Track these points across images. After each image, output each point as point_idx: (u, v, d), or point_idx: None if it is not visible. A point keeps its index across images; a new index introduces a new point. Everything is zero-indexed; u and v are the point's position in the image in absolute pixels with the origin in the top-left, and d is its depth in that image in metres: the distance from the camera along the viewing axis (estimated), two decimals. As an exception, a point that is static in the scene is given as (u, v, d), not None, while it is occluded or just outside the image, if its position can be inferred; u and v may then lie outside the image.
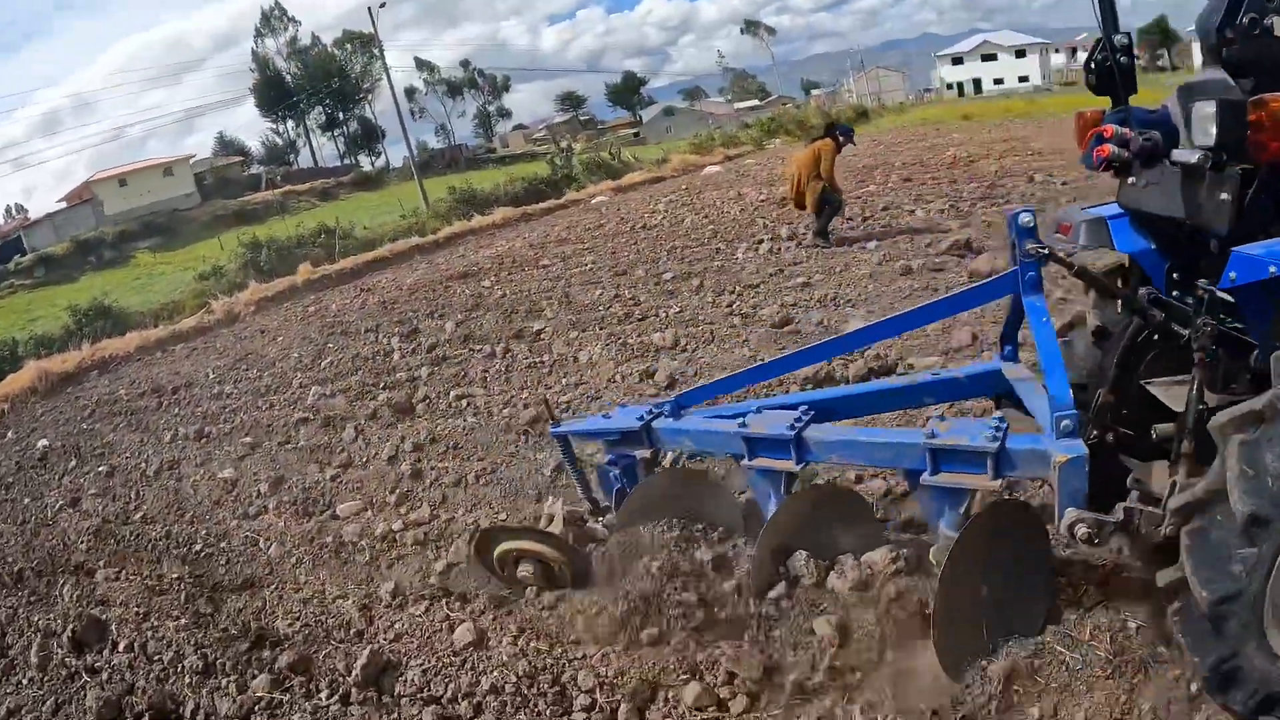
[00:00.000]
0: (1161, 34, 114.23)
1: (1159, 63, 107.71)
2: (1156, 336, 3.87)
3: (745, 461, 4.11)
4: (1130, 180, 3.75)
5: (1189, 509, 2.90)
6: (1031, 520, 3.79)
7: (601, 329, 10.19)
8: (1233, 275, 2.98)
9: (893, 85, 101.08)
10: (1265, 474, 2.66)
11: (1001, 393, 4.29)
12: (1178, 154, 3.38)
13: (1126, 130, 3.55)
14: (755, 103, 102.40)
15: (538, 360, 9.28)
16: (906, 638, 3.63)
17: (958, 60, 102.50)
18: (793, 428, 3.91)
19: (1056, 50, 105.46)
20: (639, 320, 10.32)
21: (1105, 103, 3.81)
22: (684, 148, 44.47)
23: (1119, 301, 3.95)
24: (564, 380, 8.43)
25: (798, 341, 8.51)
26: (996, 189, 16.32)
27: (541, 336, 10.30)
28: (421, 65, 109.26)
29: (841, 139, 13.21)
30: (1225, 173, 3.14)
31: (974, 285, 4.31)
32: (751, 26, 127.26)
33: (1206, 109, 3.11)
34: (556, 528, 4.70)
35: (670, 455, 5.25)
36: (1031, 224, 3.64)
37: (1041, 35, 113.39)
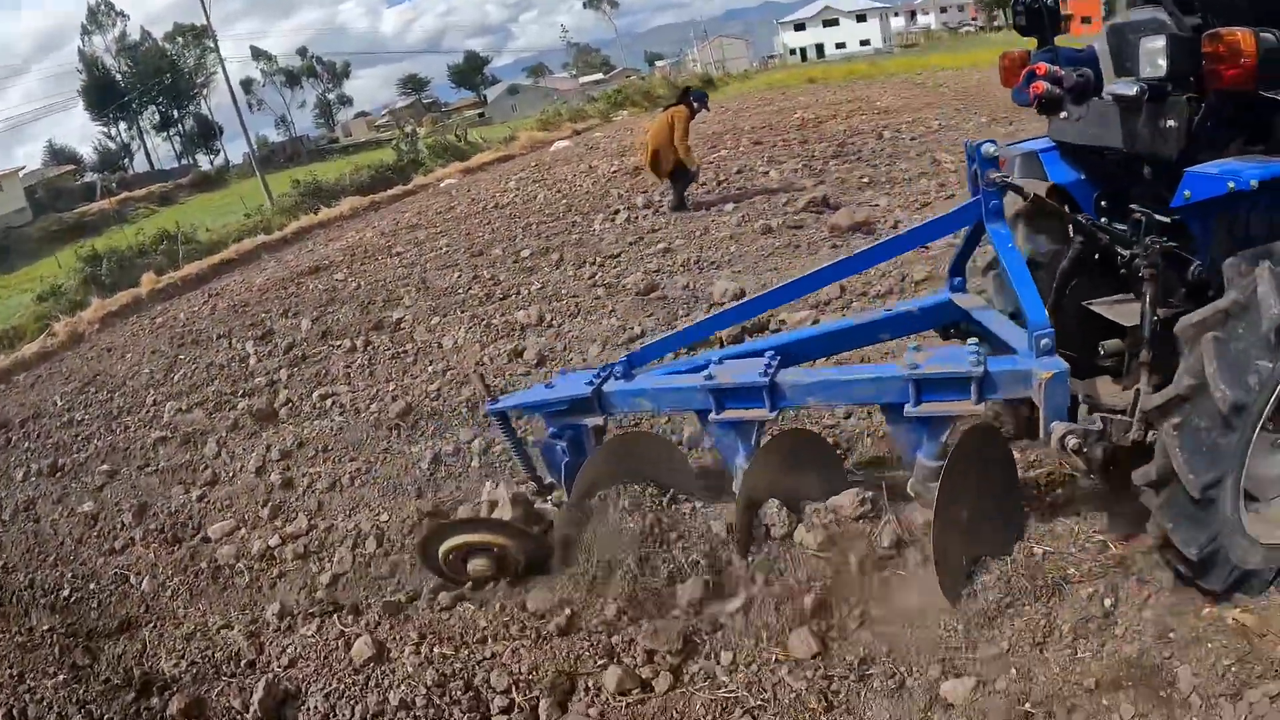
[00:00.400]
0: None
1: (995, 24, 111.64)
2: (1095, 259, 4.17)
3: (713, 415, 3.97)
4: (1062, 115, 4.07)
5: (1167, 408, 3.16)
6: (1002, 443, 4.01)
7: (463, 312, 9.92)
8: (1187, 194, 3.29)
9: (736, 53, 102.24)
10: (1239, 364, 3.02)
11: (951, 322, 4.45)
12: (1114, 87, 3.77)
13: (1057, 68, 3.81)
14: (600, 76, 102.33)
15: (400, 350, 8.98)
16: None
17: (800, 26, 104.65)
18: (765, 374, 3.84)
19: (896, 14, 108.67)
20: (501, 300, 10.09)
21: (1029, 44, 4.11)
22: (531, 125, 43.98)
23: (1045, 234, 4.31)
24: (430, 368, 8.15)
25: (665, 308, 8.48)
26: (846, 147, 16.67)
27: (402, 325, 9.97)
28: (258, 55, 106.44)
29: (695, 104, 13.12)
30: (1169, 102, 3.48)
31: (936, 217, 4.44)
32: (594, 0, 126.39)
33: (1155, 43, 3.42)
34: (504, 513, 4.42)
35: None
36: (994, 154, 3.83)
37: (882, 0, 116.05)
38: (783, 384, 3.85)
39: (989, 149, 3.85)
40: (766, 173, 15.05)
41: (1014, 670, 3.30)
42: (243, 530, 5.88)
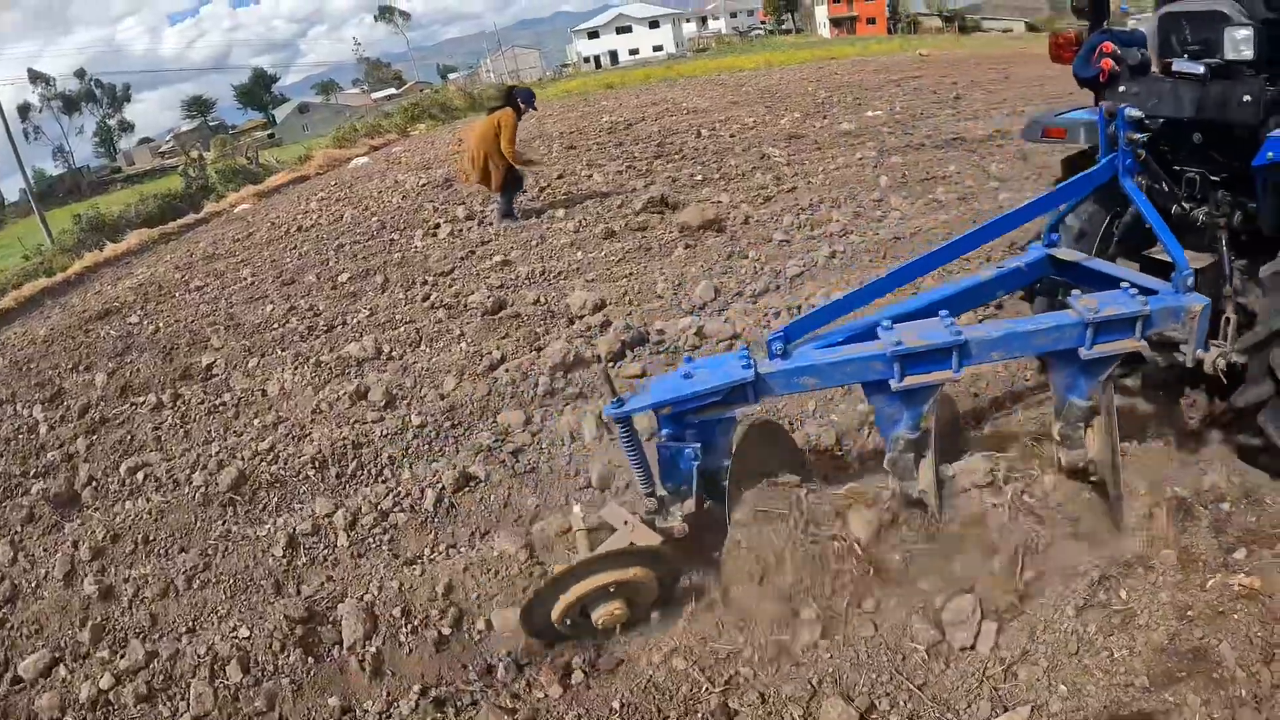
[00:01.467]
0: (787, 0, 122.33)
1: (784, 27, 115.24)
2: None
3: (895, 384, 3.72)
4: (1121, 89, 4.80)
5: (1270, 339, 4.04)
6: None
7: (284, 350, 8.60)
8: (1270, 155, 4.02)
9: (530, 63, 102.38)
10: None
11: (1045, 276, 4.78)
12: (1181, 65, 4.52)
13: (1112, 47, 4.74)
14: (393, 91, 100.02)
15: (217, 402, 7.50)
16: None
17: (593, 34, 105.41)
18: (958, 332, 3.73)
19: (688, 20, 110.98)
20: (326, 332, 8.88)
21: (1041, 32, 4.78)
22: (327, 143, 42.36)
23: (1092, 206, 5.00)
24: (257, 421, 6.83)
25: (522, 327, 7.73)
26: (666, 147, 16.45)
27: (214, 371, 8.47)
28: (36, 78, 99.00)
29: (523, 105, 12.32)
30: (1246, 80, 4.27)
31: (1074, 179, 4.51)
32: (386, 12, 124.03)
33: (1242, 32, 4.20)
34: (626, 537, 3.77)
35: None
36: (1138, 118, 4.25)
37: (673, 5, 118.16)
38: (971, 341, 3.76)
39: (1132, 113, 4.24)
40: (590, 176, 14.55)
41: (1063, 687, 3.26)
42: (62, 667, 4.36)
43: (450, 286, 9.42)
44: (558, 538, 4.48)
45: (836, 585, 3.77)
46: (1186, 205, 4.72)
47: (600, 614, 3.65)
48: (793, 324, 3.92)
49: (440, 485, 5.28)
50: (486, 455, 5.64)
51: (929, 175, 12.38)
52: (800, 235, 9.46)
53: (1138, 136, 4.30)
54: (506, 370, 6.67)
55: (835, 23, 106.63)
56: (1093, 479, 4.22)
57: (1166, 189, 4.70)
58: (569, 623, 3.69)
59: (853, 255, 8.76)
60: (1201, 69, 4.43)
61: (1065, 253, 4.70)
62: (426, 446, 5.94)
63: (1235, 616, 3.38)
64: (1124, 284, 4.07)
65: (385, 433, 6.10)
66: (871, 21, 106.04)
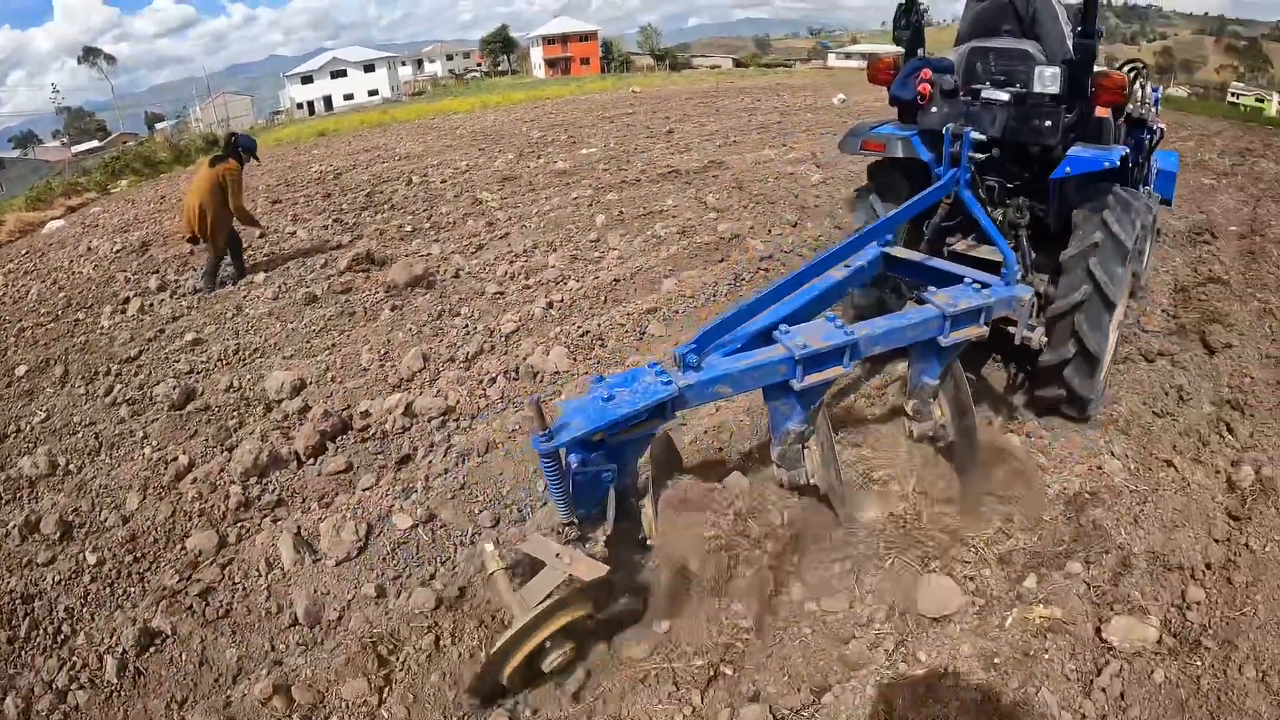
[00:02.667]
0: (503, 42, 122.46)
1: (500, 68, 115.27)
2: (959, 219, 5.74)
3: (797, 383, 4.04)
4: (934, 110, 5.88)
5: (1071, 309, 5.31)
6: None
7: None
8: (1068, 170, 5.24)
9: (241, 110, 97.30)
10: (1109, 275, 5.15)
11: (883, 271, 5.46)
12: (989, 92, 5.65)
13: (930, 73, 5.79)
14: (95, 143, 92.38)
15: None
16: None
17: (307, 79, 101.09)
18: (848, 333, 4.14)
19: (404, 63, 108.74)
20: None
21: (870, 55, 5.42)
22: (20, 204, 38.64)
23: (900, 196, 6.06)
24: None
25: (213, 422, 6.61)
26: (376, 196, 15.33)
27: None
28: None
29: (245, 155, 10.58)
30: (1046, 108, 5.40)
31: (927, 191, 5.38)
32: (90, 55, 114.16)
33: (1051, 71, 5.40)
34: (563, 571, 3.60)
35: None
36: (982, 155, 5.52)
37: (389, 49, 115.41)
38: (859, 339, 4.18)
39: (976, 136, 5.38)
40: (294, 232, 13.06)
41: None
42: None
43: (135, 375, 8.00)
44: (263, 705, 3.82)
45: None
46: (989, 209, 5.77)
47: (552, 661, 3.59)
48: (701, 335, 4.00)
49: (121, 649, 4.24)
50: (171, 601, 4.57)
51: (646, 210, 12.13)
52: (515, 286, 8.89)
53: (979, 156, 5.50)
54: (194, 480, 5.63)
55: (550, 64, 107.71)
56: (940, 444, 5.13)
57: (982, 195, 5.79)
58: (519, 679, 3.61)
59: (571, 304, 8.29)
60: (1007, 96, 5.59)
61: (901, 251, 5.45)
62: (108, 591, 4.74)
63: (1045, 656, 3.49)
64: (966, 279, 4.86)
65: (59, 578, 4.91)
66: (586, 62, 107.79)
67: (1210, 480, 5.54)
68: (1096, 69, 5.39)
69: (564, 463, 3.64)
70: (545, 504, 5.01)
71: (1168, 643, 3.99)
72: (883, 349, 4.49)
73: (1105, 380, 5.89)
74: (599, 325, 7.64)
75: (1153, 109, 7.95)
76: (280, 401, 6.67)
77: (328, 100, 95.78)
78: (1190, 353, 7.64)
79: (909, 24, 6.22)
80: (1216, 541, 4.91)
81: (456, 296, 8.79)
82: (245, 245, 12.30)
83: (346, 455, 5.83)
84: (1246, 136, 33.52)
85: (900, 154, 5.90)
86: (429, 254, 10.39)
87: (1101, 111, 5.59)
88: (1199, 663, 3.82)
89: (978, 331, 4.67)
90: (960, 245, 6.06)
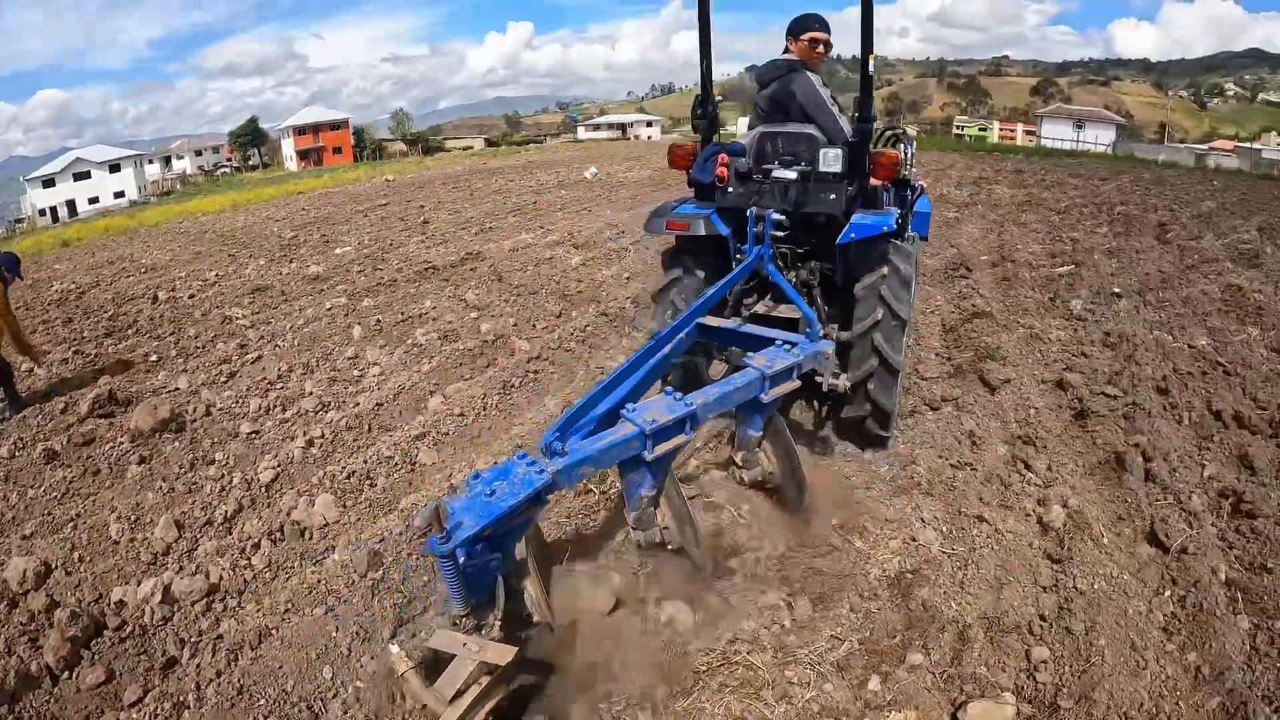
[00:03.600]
0: (253, 135, 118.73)
1: (250, 162, 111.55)
2: (754, 283, 6.52)
3: (649, 455, 4.36)
4: (730, 190, 6.48)
5: (870, 328, 6.04)
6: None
7: None
8: (853, 235, 5.88)
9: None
10: (901, 300, 5.95)
11: (697, 340, 5.99)
12: (779, 171, 6.33)
13: (727, 158, 6.43)
14: None
15: None
16: None
17: (49, 182, 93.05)
18: (688, 404, 4.54)
19: (151, 161, 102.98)
20: None
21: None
22: None
23: (706, 268, 6.71)
24: None
25: None
26: (120, 320, 13.69)
27: None
28: None
29: (9, 275, 9.01)
30: (831, 184, 6.15)
31: (739, 268, 6.02)
32: None
33: (834, 152, 6.17)
34: (474, 658, 3.64)
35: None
36: (785, 223, 6.06)
37: (136, 147, 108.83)
38: (697, 409, 4.58)
39: (778, 218, 5.97)
40: (32, 370, 10.84)
41: None
42: None
43: None
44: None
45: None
46: (786, 273, 6.32)
47: None
48: (560, 424, 4.26)
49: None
50: None
51: (405, 316, 11.59)
52: (271, 422, 8.07)
53: (779, 233, 6.10)
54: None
55: (302, 155, 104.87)
56: (769, 487, 5.66)
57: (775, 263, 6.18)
58: None
59: (334, 439, 7.58)
60: (795, 175, 6.31)
61: (713, 320, 6.02)
62: None
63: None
64: (776, 341, 5.55)
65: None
66: (338, 151, 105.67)
67: (1023, 526, 5.58)
68: (873, 149, 6.27)
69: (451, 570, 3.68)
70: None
71: (1026, 712, 3.94)
72: (716, 412, 5.03)
73: (899, 403, 6.73)
74: (365, 462, 7.03)
75: (912, 169, 8.42)
76: (25, 595, 5.54)
77: (71, 205, 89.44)
78: (972, 394, 7.85)
79: (705, 114, 6.76)
80: (1045, 590, 4.92)
81: (209, 440, 7.86)
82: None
83: (105, 662, 4.85)
84: (978, 166, 36.05)
85: (703, 231, 6.44)
86: (177, 389, 9.34)
87: (877, 182, 6.31)
88: (1063, 725, 3.68)
89: (792, 385, 5.36)
90: (760, 307, 6.57)
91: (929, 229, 10.33)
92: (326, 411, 8.20)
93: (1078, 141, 79.94)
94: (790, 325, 6.12)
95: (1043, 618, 4.67)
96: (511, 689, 3.81)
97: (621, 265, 14.57)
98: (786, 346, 5.42)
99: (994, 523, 5.60)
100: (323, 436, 7.55)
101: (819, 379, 6.03)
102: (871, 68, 5.91)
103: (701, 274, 6.70)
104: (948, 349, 9.29)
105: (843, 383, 6.10)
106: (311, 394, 8.65)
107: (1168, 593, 4.90)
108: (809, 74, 6.41)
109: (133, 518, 6.50)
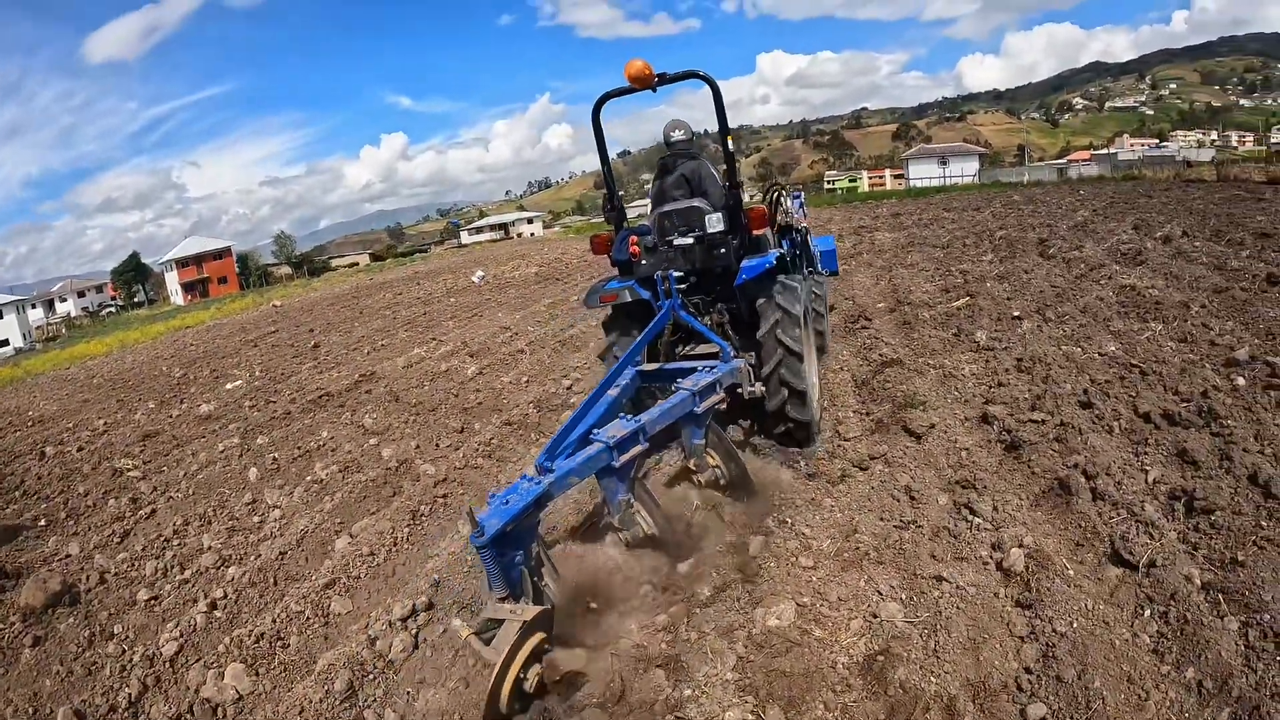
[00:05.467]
0: (136, 271, 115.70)
1: (136, 300, 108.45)
2: (679, 335, 7.94)
3: (617, 463, 5.58)
4: (643, 262, 7.80)
5: (777, 365, 7.28)
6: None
7: None
8: (745, 276, 7.31)
9: None
10: (792, 338, 7.22)
11: (640, 385, 7.32)
12: (679, 240, 7.66)
13: (637, 239, 7.80)
14: None
15: None
16: None
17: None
18: (638, 421, 5.84)
19: (34, 305, 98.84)
20: None
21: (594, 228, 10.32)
22: None
23: (638, 323, 7.91)
24: None
25: None
26: (7, 481, 12.50)
27: None
28: None
29: None
30: (720, 242, 7.56)
31: (654, 322, 7.14)
32: None
33: (716, 216, 7.54)
34: (520, 618, 4.55)
35: None
36: (684, 284, 7.62)
37: (17, 291, 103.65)
38: (645, 423, 5.86)
39: (677, 274, 7.45)
40: None
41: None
42: None
43: None
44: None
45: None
46: (701, 318, 7.73)
47: (531, 676, 4.46)
48: (548, 448, 5.47)
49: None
50: None
51: (302, 450, 10.97)
52: (170, 584, 7.31)
53: (682, 285, 7.53)
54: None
55: (188, 288, 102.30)
56: (721, 484, 6.65)
57: (690, 312, 7.59)
58: (515, 704, 4.38)
59: (238, 598, 6.90)
60: (692, 240, 7.66)
61: (650, 366, 7.48)
62: None
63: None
64: (700, 368, 6.92)
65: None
66: (223, 280, 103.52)
67: (984, 576, 5.26)
68: (746, 206, 7.90)
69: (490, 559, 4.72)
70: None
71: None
72: (662, 425, 6.10)
73: (820, 408, 8.37)
74: (274, 620, 6.32)
75: (797, 213, 10.82)
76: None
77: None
78: (899, 446, 7.56)
79: (613, 208, 8.47)
80: (1023, 640, 4.60)
81: (105, 612, 7.08)
82: None
83: None
84: (855, 215, 36.94)
85: (629, 299, 7.79)
86: (69, 555, 8.45)
87: (758, 232, 7.87)
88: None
89: (719, 398, 6.75)
90: (687, 350, 8.12)
91: (837, 264, 12.88)
92: (228, 567, 7.54)
93: (945, 177, 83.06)
94: (715, 358, 7.36)
95: (1028, 670, 4.39)
96: (543, 637, 4.60)
97: (519, 369, 14.12)
98: (708, 368, 6.89)
99: (953, 580, 5.25)
100: (225, 597, 6.86)
101: (739, 390, 7.24)
102: (730, 145, 7.73)
103: (635, 332, 7.85)
104: (864, 404, 9.05)
105: (758, 389, 7.30)
106: (210, 548, 7.94)
107: (1148, 612, 4.65)
108: (698, 161, 8.09)
109: (30, 710, 5.82)
